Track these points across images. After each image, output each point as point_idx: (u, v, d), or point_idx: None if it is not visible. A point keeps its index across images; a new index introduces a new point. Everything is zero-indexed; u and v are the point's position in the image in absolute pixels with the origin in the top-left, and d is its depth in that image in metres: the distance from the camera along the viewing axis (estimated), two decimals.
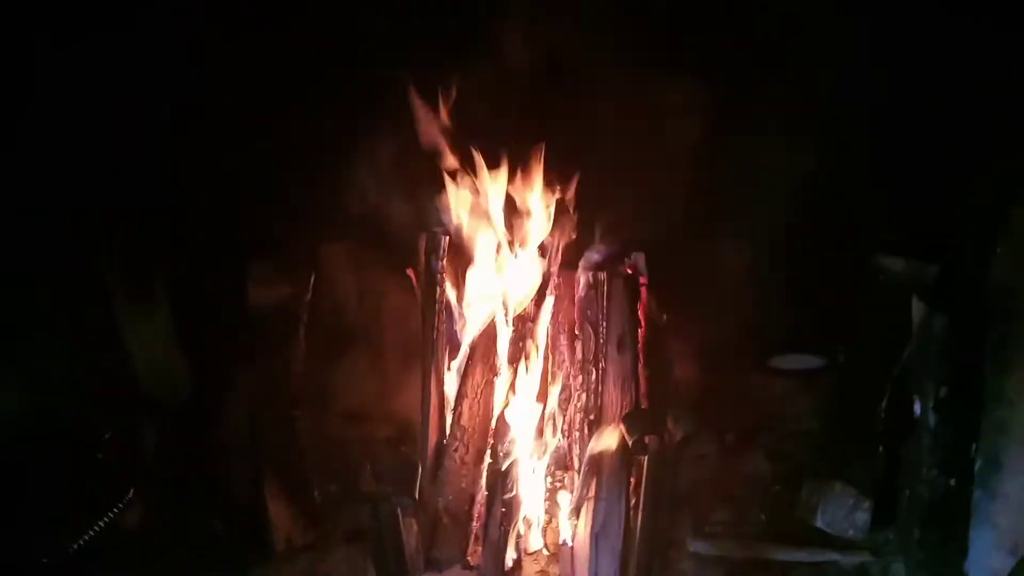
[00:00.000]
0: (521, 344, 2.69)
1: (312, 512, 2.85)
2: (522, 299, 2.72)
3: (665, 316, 2.78)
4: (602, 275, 2.69)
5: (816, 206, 3.03)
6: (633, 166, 2.90)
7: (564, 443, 2.84)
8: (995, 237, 2.38)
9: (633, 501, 2.48)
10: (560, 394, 2.82)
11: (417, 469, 2.53)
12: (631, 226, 2.75)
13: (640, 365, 2.62)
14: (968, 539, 2.40)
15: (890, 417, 2.71)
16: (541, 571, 2.68)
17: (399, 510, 2.35)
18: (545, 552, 2.73)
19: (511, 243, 2.75)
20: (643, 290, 2.69)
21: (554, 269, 2.75)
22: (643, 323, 2.66)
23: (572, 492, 2.64)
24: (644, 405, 2.59)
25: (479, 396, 2.65)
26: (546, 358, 2.80)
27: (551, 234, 2.76)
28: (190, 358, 2.93)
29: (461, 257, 2.72)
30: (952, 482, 2.45)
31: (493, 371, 2.66)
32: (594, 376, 2.67)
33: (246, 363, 2.82)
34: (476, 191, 2.72)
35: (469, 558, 2.59)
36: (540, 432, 2.76)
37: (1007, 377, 2.34)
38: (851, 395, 2.88)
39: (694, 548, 2.72)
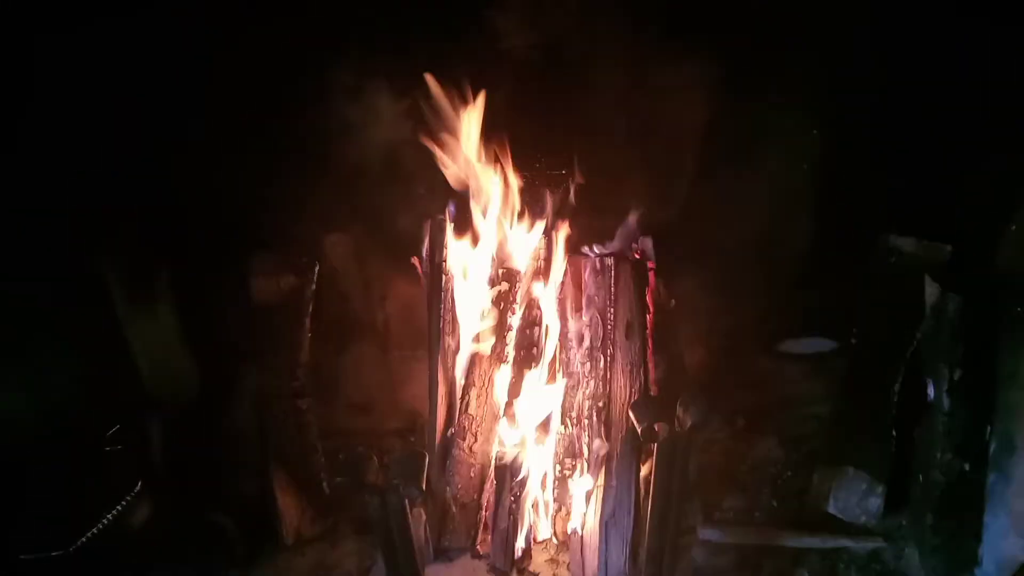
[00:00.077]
0: (528, 332, 2.67)
1: (321, 504, 2.86)
2: (529, 286, 2.69)
3: (674, 301, 2.76)
4: (609, 260, 2.66)
5: (826, 188, 3.00)
6: (640, 148, 2.87)
7: (573, 431, 2.82)
8: (1008, 215, 2.35)
9: (643, 489, 2.46)
10: (568, 381, 2.80)
11: (425, 459, 2.52)
12: (638, 210, 2.72)
13: (649, 351, 2.60)
14: (982, 524, 2.38)
15: (903, 400, 2.68)
16: (551, 559, 2.67)
17: (407, 501, 2.34)
18: (554, 540, 2.72)
19: (518, 228, 2.72)
20: (651, 275, 2.66)
21: (562, 255, 2.72)
22: (651, 308, 2.64)
23: (581, 479, 2.63)
24: (653, 392, 2.57)
25: (486, 385, 2.63)
26: (554, 345, 2.78)
27: (559, 220, 2.73)
28: (195, 355, 2.93)
29: (466, 245, 2.70)
30: (966, 466, 2.42)
31: (500, 359, 2.65)
32: (602, 363, 2.64)
33: (252, 356, 2.82)
34: (491, 178, 2.70)
35: (478, 547, 2.59)
36: (548, 420, 2.74)
37: (1022, 357, 2.30)
38: (863, 378, 2.83)
39: (705, 535, 2.70)
